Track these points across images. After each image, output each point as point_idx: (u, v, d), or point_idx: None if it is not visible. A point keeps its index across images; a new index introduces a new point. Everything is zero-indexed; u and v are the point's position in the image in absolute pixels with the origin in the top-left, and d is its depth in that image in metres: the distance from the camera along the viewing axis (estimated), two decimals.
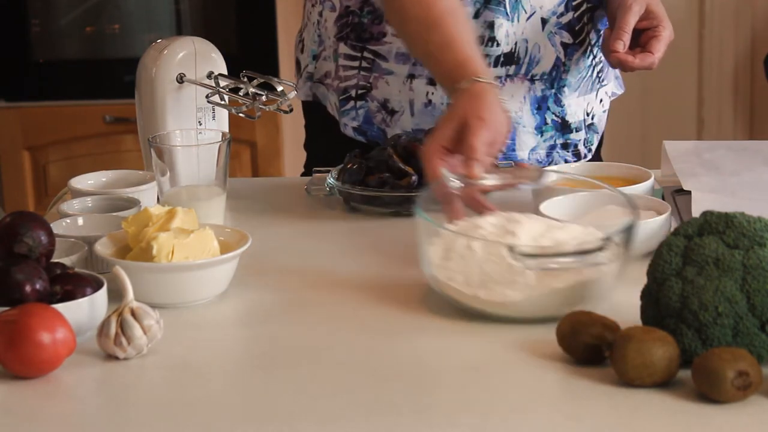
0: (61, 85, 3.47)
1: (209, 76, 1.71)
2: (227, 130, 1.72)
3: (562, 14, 1.79)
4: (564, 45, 1.81)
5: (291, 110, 1.69)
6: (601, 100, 1.89)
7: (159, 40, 1.73)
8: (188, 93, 1.71)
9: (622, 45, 1.71)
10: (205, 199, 1.58)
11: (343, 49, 1.84)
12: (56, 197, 1.81)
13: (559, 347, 1.23)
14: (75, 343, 1.23)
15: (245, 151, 3.47)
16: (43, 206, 3.36)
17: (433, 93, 1.80)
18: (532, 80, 1.82)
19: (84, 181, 1.66)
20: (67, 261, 1.38)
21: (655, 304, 1.22)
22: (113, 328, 1.25)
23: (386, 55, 1.81)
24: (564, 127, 1.84)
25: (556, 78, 1.82)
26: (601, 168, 1.69)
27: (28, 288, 1.26)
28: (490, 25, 1.77)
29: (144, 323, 1.26)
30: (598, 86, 1.88)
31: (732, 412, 1.12)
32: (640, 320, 1.25)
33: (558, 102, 1.83)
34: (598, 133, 1.90)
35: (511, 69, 1.80)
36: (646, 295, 1.24)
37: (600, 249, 1.29)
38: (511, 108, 1.80)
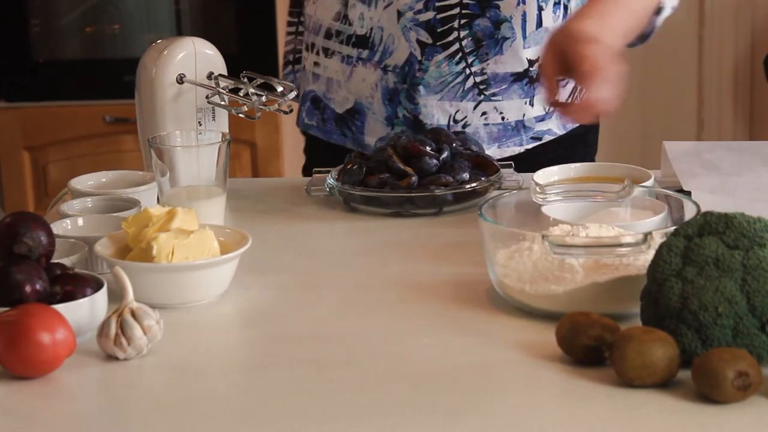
0: (61, 85, 3.47)
1: (209, 76, 1.71)
2: (227, 131, 1.72)
3: (420, 11, 1.78)
4: (420, 43, 1.79)
5: (291, 110, 1.69)
6: (484, 113, 1.83)
7: (159, 41, 1.73)
8: (188, 93, 1.71)
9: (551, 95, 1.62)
10: (205, 200, 1.58)
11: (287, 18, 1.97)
12: (56, 197, 1.81)
13: (559, 347, 1.23)
14: (75, 344, 1.23)
15: (245, 152, 3.47)
16: (43, 206, 3.36)
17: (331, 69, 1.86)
18: (384, 70, 1.81)
19: (84, 182, 1.66)
20: (67, 261, 1.38)
21: (655, 305, 1.22)
22: (113, 328, 1.25)
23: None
24: (416, 125, 1.81)
25: (409, 74, 1.80)
26: (601, 168, 1.69)
27: (28, 288, 1.26)
28: (345, 3, 1.82)
29: (144, 324, 1.26)
30: (479, 98, 1.82)
31: (732, 412, 1.12)
32: (639, 320, 1.25)
33: (411, 99, 1.81)
34: (476, 144, 1.81)
35: (364, 53, 1.81)
36: (646, 295, 1.24)
37: (636, 244, 1.29)
38: (362, 92, 1.83)
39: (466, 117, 1.82)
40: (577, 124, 1.88)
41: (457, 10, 1.78)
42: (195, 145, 1.61)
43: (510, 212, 1.45)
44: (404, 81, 1.81)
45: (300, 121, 1.92)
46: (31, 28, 3.45)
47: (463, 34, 1.78)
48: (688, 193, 1.59)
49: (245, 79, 1.70)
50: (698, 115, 3.72)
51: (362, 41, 1.81)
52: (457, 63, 1.79)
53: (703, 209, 1.31)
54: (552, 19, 1.81)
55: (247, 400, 1.17)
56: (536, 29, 1.80)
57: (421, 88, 1.80)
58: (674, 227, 1.28)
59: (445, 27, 1.78)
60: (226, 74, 1.72)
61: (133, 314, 1.26)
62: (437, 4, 1.77)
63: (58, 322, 1.22)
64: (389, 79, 1.81)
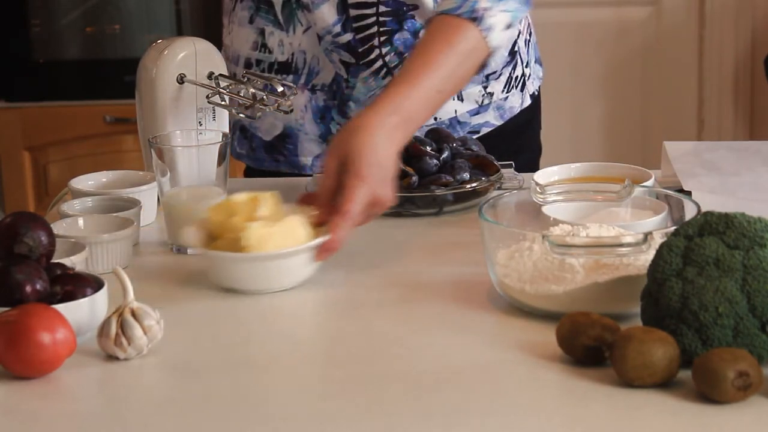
0: (61, 85, 3.47)
1: (209, 76, 1.71)
2: (227, 131, 1.72)
3: (338, 34, 1.78)
4: (344, 63, 1.79)
5: (291, 110, 1.69)
6: None
7: (159, 41, 1.73)
8: (188, 93, 1.71)
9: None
10: (206, 200, 1.58)
11: None
12: (56, 197, 1.81)
13: (559, 347, 1.23)
14: (75, 344, 1.23)
15: None
16: (43, 206, 3.36)
17: None
18: (312, 90, 1.81)
19: (84, 182, 1.66)
20: (67, 261, 1.38)
21: (655, 305, 1.22)
22: (113, 328, 1.25)
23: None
24: None
25: (338, 92, 1.81)
26: (601, 168, 1.69)
27: (28, 288, 1.26)
28: (262, 32, 1.82)
29: (144, 323, 1.26)
30: None
31: (732, 412, 1.12)
32: (640, 320, 1.25)
33: (343, 114, 1.81)
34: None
35: (289, 78, 1.81)
36: (646, 295, 1.24)
37: (636, 244, 1.29)
38: (291, 117, 1.82)
39: None
40: (515, 114, 1.88)
41: (375, 29, 1.78)
42: (195, 145, 1.61)
43: (510, 212, 1.45)
44: (334, 98, 1.81)
45: (233, 150, 1.92)
46: (31, 28, 3.45)
47: (384, 50, 1.78)
48: (688, 193, 1.59)
49: (245, 79, 1.70)
50: (698, 115, 3.72)
51: (285, 67, 1.82)
52: (384, 77, 1.79)
53: (704, 209, 1.31)
54: None
55: (247, 400, 1.17)
56: None
57: (351, 103, 1.81)
58: (674, 227, 1.28)
59: (366, 46, 1.78)
60: (226, 74, 1.72)
61: (134, 314, 1.26)
62: (354, 25, 1.77)
63: (58, 322, 1.22)
64: (318, 97, 1.81)
